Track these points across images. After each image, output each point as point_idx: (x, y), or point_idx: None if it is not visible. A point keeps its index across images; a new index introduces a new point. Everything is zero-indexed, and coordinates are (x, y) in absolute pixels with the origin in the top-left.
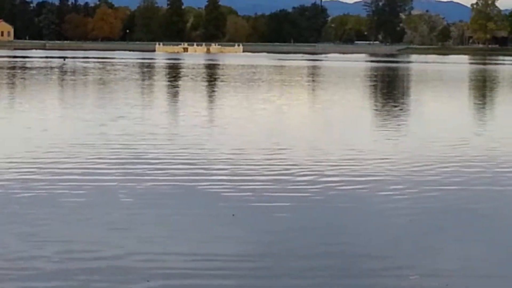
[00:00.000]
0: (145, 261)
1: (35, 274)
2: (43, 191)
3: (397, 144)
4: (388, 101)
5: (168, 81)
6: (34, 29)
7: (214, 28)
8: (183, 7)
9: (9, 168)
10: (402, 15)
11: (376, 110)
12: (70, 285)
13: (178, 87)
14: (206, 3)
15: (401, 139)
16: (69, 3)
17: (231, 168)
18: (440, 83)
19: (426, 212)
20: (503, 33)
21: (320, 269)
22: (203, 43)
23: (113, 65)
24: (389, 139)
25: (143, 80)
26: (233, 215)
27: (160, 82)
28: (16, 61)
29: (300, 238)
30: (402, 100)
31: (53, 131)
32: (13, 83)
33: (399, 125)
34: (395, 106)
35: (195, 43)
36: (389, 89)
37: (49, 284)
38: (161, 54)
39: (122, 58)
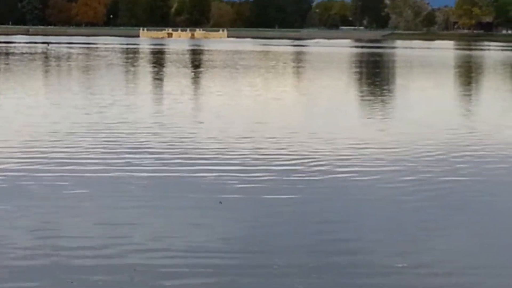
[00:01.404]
0: (131, 250)
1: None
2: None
3: (383, 130)
4: (375, 88)
5: (153, 67)
6: (17, 14)
7: (198, 14)
8: None
9: None
10: (387, 1)
11: (363, 96)
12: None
13: (162, 73)
14: None
15: (387, 125)
16: None
17: (217, 156)
18: (425, 69)
19: (423, 201)
20: (488, 19)
21: (308, 257)
22: (188, 29)
23: (97, 50)
24: (376, 125)
25: (127, 66)
26: (220, 202)
27: (145, 68)
28: (2, 47)
29: (287, 224)
30: (388, 87)
31: (35, 118)
32: (4, 69)
33: (386, 111)
34: (382, 93)
35: (179, 29)
36: (375, 75)
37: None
38: (145, 39)
39: (106, 44)
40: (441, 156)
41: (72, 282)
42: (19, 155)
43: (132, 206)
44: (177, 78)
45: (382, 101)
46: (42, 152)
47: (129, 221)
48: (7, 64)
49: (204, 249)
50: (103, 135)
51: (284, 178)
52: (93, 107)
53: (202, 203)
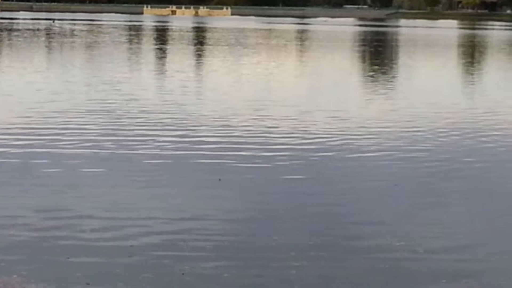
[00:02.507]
0: (130, 225)
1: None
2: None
3: (385, 109)
4: (377, 66)
5: (157, 44)
6: None
7: None
8: None
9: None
10: None
11: (365, 75)
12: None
13: (165, 51)
14: None
15: (395, 104)
16: None
17: (218, 134)
18: (430, 48)
19: (412, 176)
20: None
21: (305, 233)
22: (191, 6)
23: (101, 27)
24: (375, 102)
25: (132, 43)
26: (220, 179)
27: (149, 45)
28: (3, 23)
29: (284, 201)
30: (390, 65)
31: (44, 96)
32: (2, 46)
33: (388, 90)
34: (384, 71)
35: (183, 6)
36: (378, 54)
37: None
38: (149, 16)
39: (110, 21)
40: (455, 137)
41: (68, 258)
42: (30, 132)
43: (129, 185)
44: (181, 56)
45: (390, 79)
46: (53, 131)
47: (127, 199)
48: (13, 41)
49: (204, 225)
50: (107, 113)
51: (289, 156)
52: (99, 84)
53: (203, 181)
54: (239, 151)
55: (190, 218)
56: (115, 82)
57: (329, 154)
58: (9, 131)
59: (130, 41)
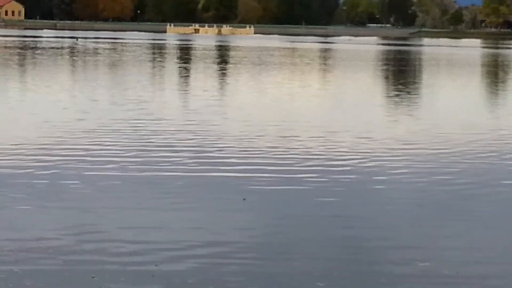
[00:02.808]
0: (154, 248)
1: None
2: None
3: (409, 129)
4: (401, 86)
5: (179, 63)
6: (44, 8)
7: (225, 9)
8: None
9: (26, 151)
10: None
11: (389, 95)
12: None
13: (189, 70)
14: None
15: (419, 124)
16: None
17: (243, 154)
18: (453, 68)
19: (437, 198)
20: None
21: (330, 257)
22: (214, 25)
23: (125, 46)
24: (401, 123)
25: (156, 62)
26: (244, 199)
27: (173, 64)
28: (27, 41)
29: (309, 223)
30: (415, 85)
31: (70, 114)
32: (29, 64)
33: (412, 110)
34: (409, 91)
35: (206, 24)
36: (402, 73)
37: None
38: (172, 35)
39: (134, 39)
40: (490, 159)
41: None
42: (55, 152)
43: (153, 204)
44: (205, 75)
45: (414, 99)
46: (80, 151)
47: (152, 218)
48: (38, 59)
49: (226, 245)
50: (133, 132)
51: (314, 177)
52: (124, 103)
53: (227, 200)
54: (264, 172)
55: (214, 240)
56: (140, 101)
57: (354, 175)
58: (36, 151)
59: (154, 60)
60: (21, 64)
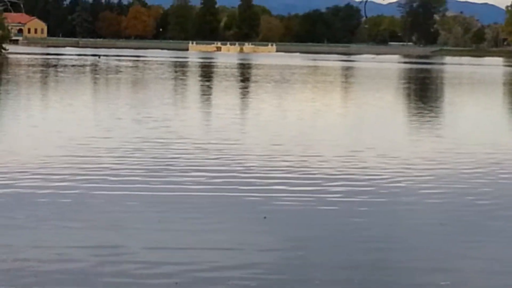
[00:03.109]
0: (174, 262)
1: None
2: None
3: (433, 148)
4: (424, 105)
5: (202, 81)
6: (67, 26)
7: (247, 28)
8: (216, 6)
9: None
10: (436, 17)
11: (411, 113)
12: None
13: (212, 88)
14: (240, 2)
15: (436, 142)
16: (103, 1)
17: (265, 172)
18: (476, 86)
19: (458, 216)
20: None
21: (353, 273)
22: (236, 43)
23: (147, 63)
24: (425, 142)
25: (179, 79)
26: (265, 217)
27: (195, 82)
28: (50, 59)
29: (332, 241)
30: (438, 103)
31: (93, 132)
32: (52, 82)
33: (435, 129)
34: (431, 110)
35: (228, 43)
36: (425, 92)
37: None
38: (194, 53)
39: (156, 57)
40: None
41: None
42: (80, 171)
43: (176, 221)
44: (228, 93)
45: (437, 118)
46: (106, 170)
47: (173, 235)
48: (62, 76)
49: (248, 262)
50: (156, 151)
51: (336, 196)
52: (147, 122)
53: (248, 218)
54: (285, 192)
55: (234, 257)
56: (164, 119)
57: (379, 195)
58: (60, 170)
59: (177, 78)
60: (45, 82)
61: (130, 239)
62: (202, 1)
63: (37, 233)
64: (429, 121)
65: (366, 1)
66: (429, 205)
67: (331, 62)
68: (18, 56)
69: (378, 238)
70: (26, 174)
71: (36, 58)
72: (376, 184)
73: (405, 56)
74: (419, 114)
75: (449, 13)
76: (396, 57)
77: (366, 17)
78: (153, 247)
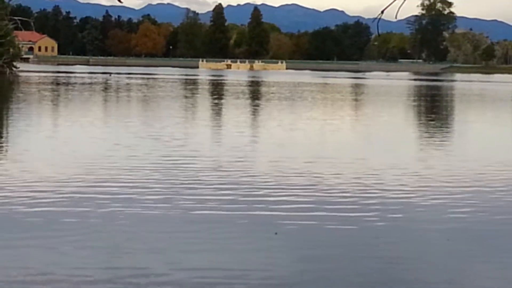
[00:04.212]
0: (184, 281)
1: None
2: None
3: (440, 165)
4: (434, 122)
5: (214, 99)
6: (77, 44)
7: (257, 45)
8: (226, 24)
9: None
10: (446, 34)
11: (420, 130)
12: None
13: (224, 105)
14: (249, 20)
15: (445, 159)
16: (113, 19)
17: (276, 189)
18: (486, 103)
19: (464, 232)
20: None
21: None
22: (246, 60)
23: (158, 81)
24: (433, 159)
25: (190, 97)
26: (276, 233)
27: (207, 100)
28: (61, 77)
29: (340, 258)
30: (447, 121)
31: (106, 150)
32: (65, 99)
33: (444, 146)
34: (440, 126)
35: (238, 60)
36: (435, 109)
37: None
38: (204, 70)
39: (166, 74)
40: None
41: None
42: (98, 189)
43: (186, 237)
44: (239, 111)
45: (446, 135)
46: (128, 189)
47: (182, 252)
48: (73, 94)
49: (258, 278)
50: (167, 170)
51: (345, 212)
52: (160, 139)
53: (259, 235)
54: (296, 210)
55: (244, 275)
56: (177, 137)
57: (384, 209)
58: (85, 189)
59: (189, 95)
60: (58, 100)
61: (141, 258)
62: (212, 19)
63: (52, 254)
64: (438, 138)
65: (379, 19)
66: (443, 223)
67: (341, 79)
68: (29, 74)
69: (394, 257)
70: (43, 193)
71: (46, 76)
72: (389, 203)
73: (415, 73)
74: (429, 132)
75: (458, 30)
76: (406, 74)
77: (379, 35)
78: (164, 264)
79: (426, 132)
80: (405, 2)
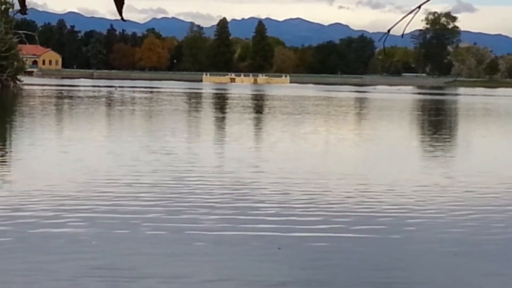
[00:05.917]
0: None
1: None
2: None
3: (444, 179)
4: (437, 136)
5: (218, 113)
6: (82, 58)
7: (261, 59)
8: (230, 37)
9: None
10: (450, 48)
11: (424, 145)
12: None
13: (227, 119)
14: (254, 34)
15: (449, 173)
16: (117, 32)
17: (279, 204)
18: (490, 118)
19: (471, 246)
20: None
21: None
22: (250, 74)
23: (163, 95)
24: (436, 173)
25: (193, 111)
26: (279, 248)
27: (211, 114)
28: (65, 90)
29: (344, 273)
30: (452, 135)
31: (114, 165)
32: (70, 113)
33: (448, 160)
34: (445, 141)
35: (242, 74)
36: (439, 124)
37: None
38: (208, 84)
39: (171, 88)
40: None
41: None
42: (104, 203)
43: (189, 251)
44: (243, 125)
45: (450, 150)
46: (131, 202)
47: (185, 265)
48: (79, 108)
49: None
50: (171, 185)
51: (348, 226)
52: (164, 153)
53: (262, 250)
54: (300, 224)
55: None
56: (180, 151)
57: (389, 223)
58: (88, 201)
59: (193, 109)
60: (64, 114)
61: (140, 271)
62: (216, 33)
63: (59, 273)
64: (442, 153)
65: (386, 36)
66: (439, 234)
67: (345, 93)
68: (33, 87)
69: (399, 271)
70: (53, 205)
71: (51, 90)
72: (386, 214)
73: (419, 87)
74: (432, 146)
75: (462, 44)
76: (410, 88)
77: (386, 54)
78: (164, 279)
79: (435, 147)
80: (410, 16)
